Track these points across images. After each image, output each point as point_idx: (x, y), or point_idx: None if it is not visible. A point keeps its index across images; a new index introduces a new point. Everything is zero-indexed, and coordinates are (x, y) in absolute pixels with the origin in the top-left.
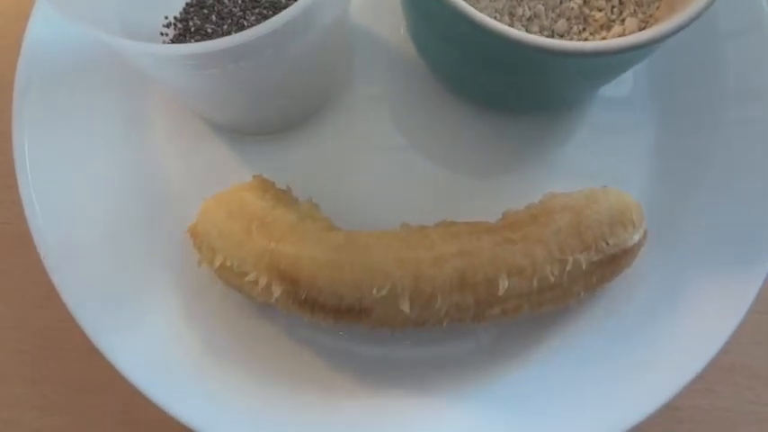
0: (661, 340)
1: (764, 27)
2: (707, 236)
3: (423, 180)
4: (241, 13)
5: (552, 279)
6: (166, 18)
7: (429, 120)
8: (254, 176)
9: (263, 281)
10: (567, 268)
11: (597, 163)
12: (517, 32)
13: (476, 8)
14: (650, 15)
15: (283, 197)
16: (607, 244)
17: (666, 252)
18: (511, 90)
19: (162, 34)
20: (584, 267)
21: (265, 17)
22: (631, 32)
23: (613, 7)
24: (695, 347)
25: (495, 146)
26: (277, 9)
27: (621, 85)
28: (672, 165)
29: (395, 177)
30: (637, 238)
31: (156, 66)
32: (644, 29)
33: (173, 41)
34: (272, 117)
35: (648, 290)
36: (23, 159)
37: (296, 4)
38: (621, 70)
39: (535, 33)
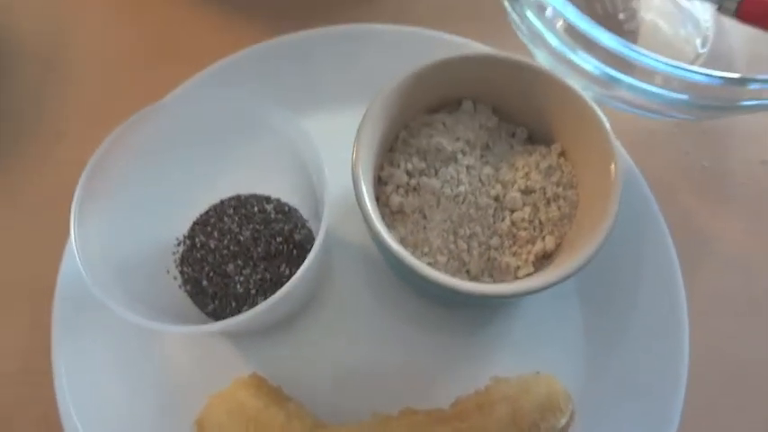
0: None
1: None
2: (624, 412)
3: (391, 369)
4: (238, 230)
5: None
6: (177, 239)
7: (394, 314)
8: (250, 375)
9: None
10: None
11: (534, 346)
12: (431, 271)
13: (428, 227)
14: (564, 234)
15: (275, 396)
16: (539, 429)
17: (591, 425)
18: (455, 298)
19: (173, 253)
20: None
21: (258, 231)
22: (550, 248)
23: (535, 228)
24: None
25: (449, 335)
26: (268, 223)
27: None
28: (596, 350)
29: (367, 367)
30: (564, 421)
31: None
32: (560, 244)
33: (182, 256)
34: (263, 325)
35: None
36: (60, 364)
37: (294, 278)
38: None
39: (474, 248)
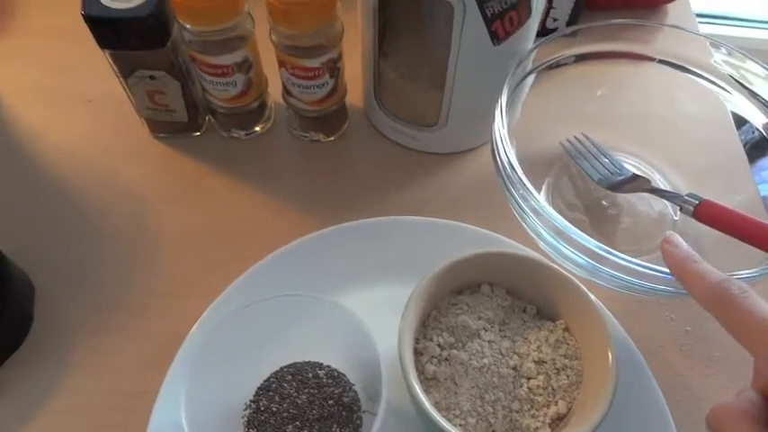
0: None
1: None
2: None
3: None
4: (296, 393)
5: None
6: (245, 404)
7: None
8: None
9: None
10: None
11: None
12: None
13: (458, 392)
14: (574, 398)
15: None
16: None
17: None
18: None
19: (242, 416)
20: None
21: (313, 395)
22: (562, 412)
23: (549, 393)
24: None
25: None
26: (320, 388)
27: None
28: None
29: None
30: None
31: None
32: (571, 407)
33: (248, 420)
34: None
35: None
36: None
37: None
38: None
39: (499, 411)
